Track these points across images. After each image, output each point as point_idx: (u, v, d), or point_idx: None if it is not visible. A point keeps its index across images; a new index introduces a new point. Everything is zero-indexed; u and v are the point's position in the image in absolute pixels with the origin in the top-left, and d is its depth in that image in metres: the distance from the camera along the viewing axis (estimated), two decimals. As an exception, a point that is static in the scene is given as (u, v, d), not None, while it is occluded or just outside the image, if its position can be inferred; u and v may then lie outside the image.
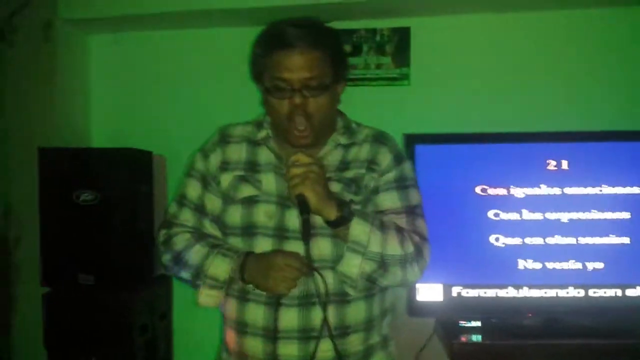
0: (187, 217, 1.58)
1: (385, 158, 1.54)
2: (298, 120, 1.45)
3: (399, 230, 1.47)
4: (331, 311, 1.46)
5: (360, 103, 2.62)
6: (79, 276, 2.34)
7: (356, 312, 1.49)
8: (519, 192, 2.27)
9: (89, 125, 2.84)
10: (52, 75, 2.69)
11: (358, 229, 1.40)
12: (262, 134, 1.58)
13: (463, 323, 2.23)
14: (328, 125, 1.54)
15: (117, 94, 2.83)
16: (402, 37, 2.64)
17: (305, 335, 1.45)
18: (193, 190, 1.59)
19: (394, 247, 1.43)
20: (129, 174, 2.45)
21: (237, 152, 1.57)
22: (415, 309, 2.27)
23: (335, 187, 1.48)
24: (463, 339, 2.13)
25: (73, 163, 2.41)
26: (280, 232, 1.48)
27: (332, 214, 1.39)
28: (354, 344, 1.50)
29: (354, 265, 1.41)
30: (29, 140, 2.58)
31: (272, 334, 1.46)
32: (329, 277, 1.44)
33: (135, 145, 2.53)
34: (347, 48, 2.65)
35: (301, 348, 1.45)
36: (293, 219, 1.47)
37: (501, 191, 2.27)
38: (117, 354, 2.32)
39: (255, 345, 1.48)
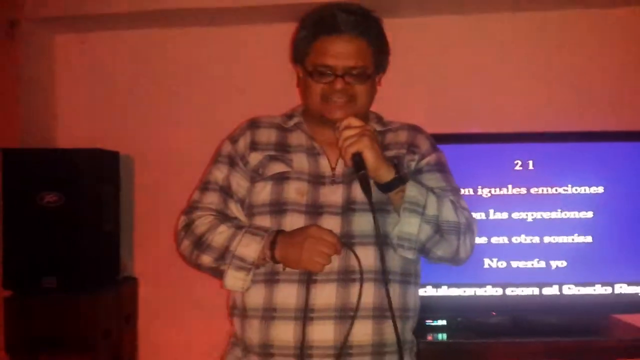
0: (211, 199, 1.51)
1: (424, 143, 1.55)
2: (337, 96, 1.44)
3: (451, 200, 1.44)
4: (371, 290, 1.38)
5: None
6: (42, 279, 2.30)
7: (394, 294, 1.40)
8: (485, 192, 2.29)
9: (55, 126, 2.80)
10: (17, 75, 2.64)
11: (414, 190, 1.36)
12: (294, 121, 1.56)
13: (429, 322, 2.23)
14: (363, 114, 1.51)
15: (83, 94, 2.78)
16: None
17: (343, 314, 1.36)
18: (219, 172, 1.53)
19: (449, 213, 1.40)
20: (95, 174, 2.43)
21: (267, 135, 1.54)
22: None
23: None
24: (429, 337, 2.14)
25: (37, 164, 2.37)
26: (314, 209, 1.42)
27: (390, 173, 1.35)
28: (391, 330, 1.38)
29: (413, 225, 1.36)
30: (-8, 141, 2.53)
31: (305, 314, 1.36)
32: (370, 253, 1.38)
33: (103, 146, 2.51)
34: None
35: (337, 330, 1.36)
36: (328, 195, 1.43)
37: (468, 191, 2.29)
38: (82, 358, 2.28)
39: (285, 331, 1.38)
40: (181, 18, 2.59)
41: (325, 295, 1.37)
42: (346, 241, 1.38)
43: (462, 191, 2.23)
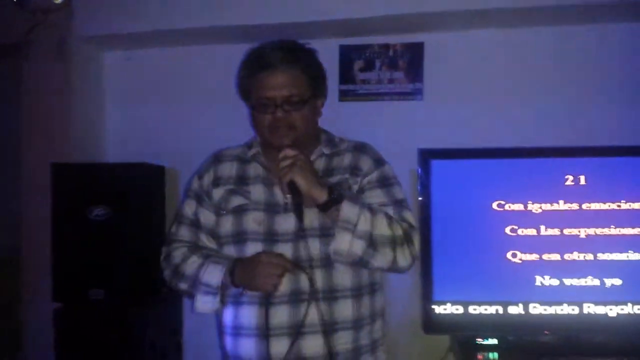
0: (184, 232, 1.72)
1: (366, 163, 1.68)
2: (281, 124, 1.59)
3: (388, 215, 1.57)
4: (320, 307, 1.55)
5: (374, 118, 2.62)
6: (90, 291, 2.32)
7: (344, 309, 1.58)
8: (536, 208, 2.24)
9: (103, 141, 2.85)
10: (67, 91, 2.70)
11: (348, 209, 1.51)
12: (252, 151, 1.72)
13: (479, 340, 2.19)
14: (309, 137, 1.66)
15: (130, 109, 2.84)
16: (415, 52, 2.63)
17: (295, 331, 1.54)
18: (188, 208, 1.73)
19: (382, 227, 1.53)
20: (142, 188, 2.46)
21: (228, 169, 1.71)
22: (431, 326, 2.24)
23: None
24: (479, 356, 2.10)
25: (86, 178, 2.40)
26: (270, 236, 1.59)
27: (323, 196, 1.51)
28: (342, 342, 1.57)
29: (344, 242, 1.50)
30: (43, 155, 2.58)
31: (264, 332, 1.55)
32: (319, 275, 1.55)
33: (149, 160, 2.54)
34: (360, 64, 2.66)
35: (290, 344, 1.53)
36: (282, 223, 1.60)
37: (518, 207, 2.25)
38: (128, 371, 2.29)
39: (249, 345, 1.59)
40: (227, 34, 2.62)
41: (279, 315, 1.55)
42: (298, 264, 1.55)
43: (513, 206, 2.23)
